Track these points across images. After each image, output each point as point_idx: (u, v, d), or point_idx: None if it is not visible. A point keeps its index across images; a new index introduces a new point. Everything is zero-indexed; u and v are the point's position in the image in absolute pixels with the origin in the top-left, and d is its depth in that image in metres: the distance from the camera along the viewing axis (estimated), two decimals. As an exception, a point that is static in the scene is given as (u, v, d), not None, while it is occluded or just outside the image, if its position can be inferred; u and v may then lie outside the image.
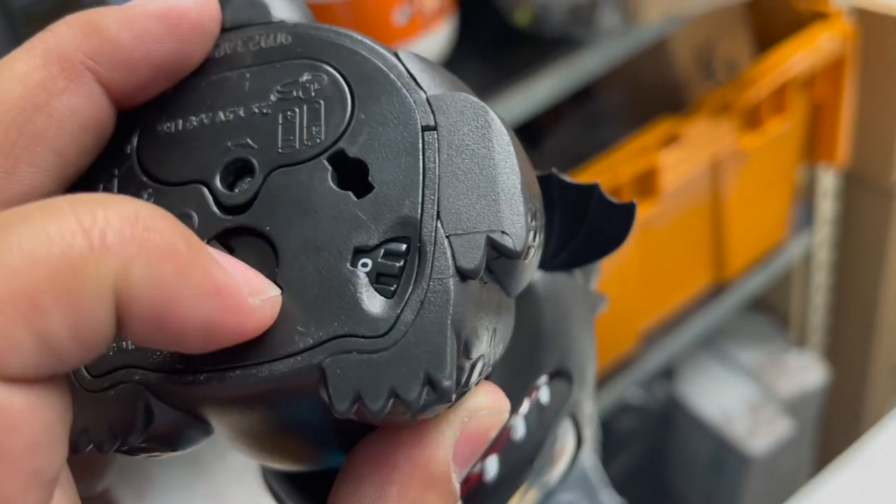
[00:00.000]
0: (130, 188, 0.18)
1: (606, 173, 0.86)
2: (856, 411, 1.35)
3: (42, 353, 0.13)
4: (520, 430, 0.23)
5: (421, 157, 0.17)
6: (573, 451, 0.26)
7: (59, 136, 0.17)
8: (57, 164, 0.17)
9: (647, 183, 0.89)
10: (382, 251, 0.16)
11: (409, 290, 0.16)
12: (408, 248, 0.16)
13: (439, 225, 0.16)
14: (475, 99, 0.18)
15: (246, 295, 0.15)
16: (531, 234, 0.17)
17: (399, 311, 0.16)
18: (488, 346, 0.17)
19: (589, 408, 0.26)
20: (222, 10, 0.19)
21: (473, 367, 0.16)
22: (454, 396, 0.16)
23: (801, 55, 0.95)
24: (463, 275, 0.16)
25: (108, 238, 0.13)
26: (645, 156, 0.88)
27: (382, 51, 0.18)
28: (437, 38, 0.78)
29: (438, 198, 0.17)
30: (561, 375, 0.24)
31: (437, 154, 0.17)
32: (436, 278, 0.16)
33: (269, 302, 0.16)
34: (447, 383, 0.15)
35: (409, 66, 0.18)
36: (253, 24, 0.19)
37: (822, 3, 1.01)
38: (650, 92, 1.05)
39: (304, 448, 0.19)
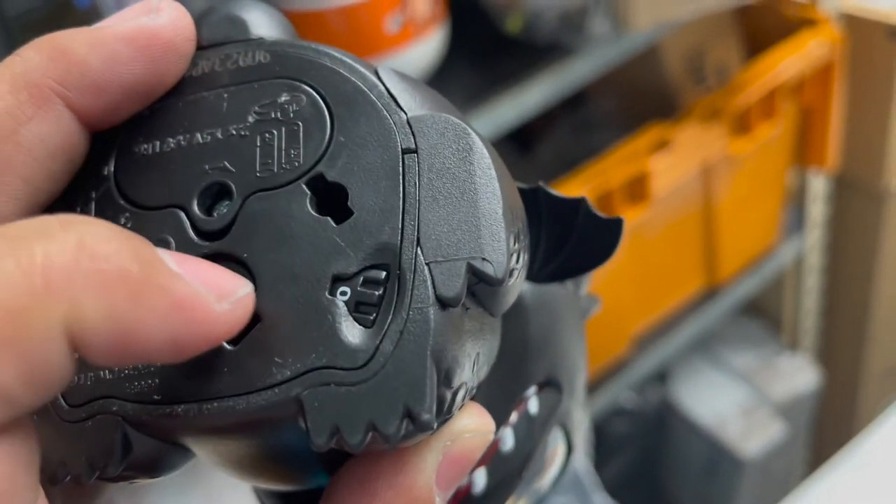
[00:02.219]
0: (108, 212, 0.18)
1: (598, 178, 0.87)
2: (848, 414, 1.35)
3: None
4: (508, 441, 0.22)
5: (401, 182, 0.17)
6: (564, 457, 0.26)
7: (27, 164, 0.17)
8: (26, 192, 0.17)
9: (638, 188, 0.90)
10: (361, 279, 0.16)
11: (389, 320, 0.16)
12: (387, 276, 0.16)
13: (419, 252, 0.16)
14: (457, 120, 0.17)
15: (212, 302, 0.14)
16: (513, 257, 0.17)
17: (378, 342, 0.15)
18: (471, 372, 0.17)
19: (579, 415, 0.26)
20: (199, 27, 0.19)
21: (455, 395, 0.16)
22: (435, 426, 0.15)
23: (790, 61, 0.96)
24: (443, 303, 0.16)
25: (51, 278, 0.13)
26: (636, 161, 0.88)
27: (363, 69, 0.18)
28: (429, 45, 0.79)
29: (419, 223, 0.16)
30: (550, 385, 0.24)
31: (417, 178, 0.17)
32: (415, 307, 0.16)
33: (240, 303, 0.15)
34: (426, 416, 0.15)
35: (389, 85, 0.18)
36: (231, 41, 0.19)
37: (810, 9, 1.01)
38: (641, 98, 1.06)
39: (287, 472, 0.19)
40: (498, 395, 0.22)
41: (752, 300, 1.25)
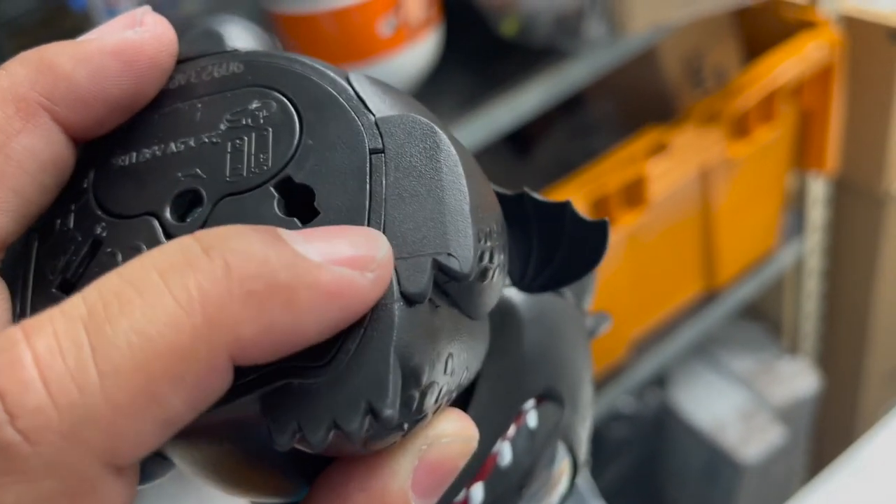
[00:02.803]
0: (85, 222, 0.18)
1: (595, 182, 0.86)
2: (848, 418, 1.35)
3: (164, 433, 0.13)
4: (507, 456, 0.22)
5: (368, 181, 0.17)
6: (570, 474, 0.25)
7: (18, 177, 0.17)
8: (18, 204, 0.17)
9: (635, 192, 0.89)
10: None
11: None
12: None
13: None
14: (424, 120, 0.17)
15: (357, 279, 0.15)
16: (485, 254, 0.17)
17: (341, 340, 0.15)
18: (443, 373, 0.16)
19: (585, 431, 0.25)
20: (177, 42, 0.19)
21: (424, 395, 0.16)
22: (405, 425, 0.15)
23: (789, 63, 0.95)
24: (408, 299, 0.16)
25: (209, 312, 0.13)
26: (633, 165, 0.88)
27: (332, 75, 0.18)
28: (423, 49, 0.79)
29: (384, 221, 0.16)
30: (551, 399, 0.23)
31: (383, 177, 0.17)
32: (379, 304, 0.15)
33: (383, 265, 0.15)
34: (388, 412, 0.15)
35: (358, 89, 0.18)
36: (207, 54, 0.19)
37: (809, 11, 1.01)
38: (639, 101, 1.05)
39: (264, 481, 0.18)
40: (494, 407, 0.21)
41: (751, 304, 1.25)
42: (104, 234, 0.18)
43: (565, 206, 0.22)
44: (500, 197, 0.21)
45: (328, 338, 0.15)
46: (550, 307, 0.23)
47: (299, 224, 0.16)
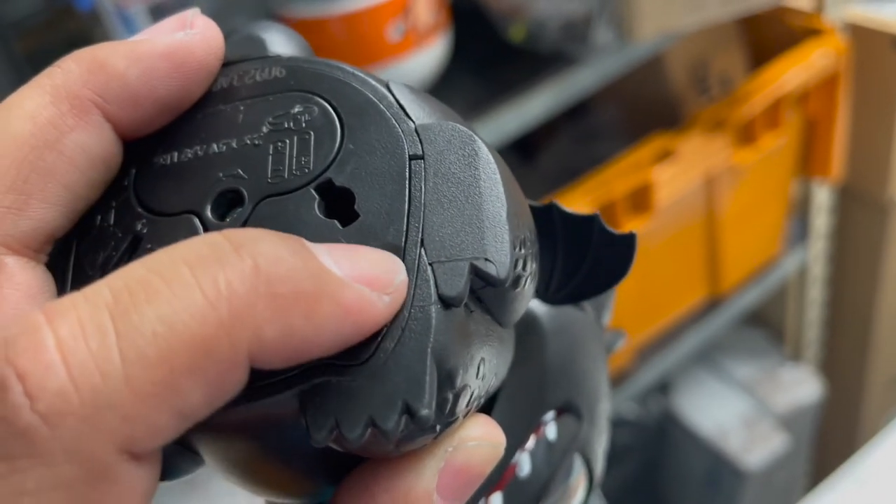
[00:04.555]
0: (126, 219, 0.18)
1: (601, 189, 0.86)
2: (851, 426, 1.34)
3: (181, 425, 0.14)
4: (525, 467, 0.22)
5: (407, 185, 0.17)
6: (586, 488, 0.25)
7: (69, 172, 0.17)
8: (67, 198, 0.17)
9: (641, 198, 0.89)
10: None
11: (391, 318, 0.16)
12: None
13: (423, 252, 0.16)
14: (463, 128, 0.18)
15: (375, 301, 0.15)
16: (519, 262, 0.17)
17: (379, 340, 0.15)
18: (475, 377, 0.17)
19: (601, 445, 0.25)
20: None
21: (458, 397, 0.16)
22: (437, 427, 0.15)
23: (795, 71, 0.95)
24: (445, 302, 0.16)
25: (235, 307, 0.13)
26: (639, 171, 0.88)
27: (373, 82, 0.18)
28: (432, 54, 0.79)
29: (423, 225, 0.16)
30: (569, 412, 0.23)
31: (423, 182, 0.17)
32: (417, 306, 0.16)
33: (399, 290, 0.15)
34: (425, 412, 0.15)
35: (398, 96, 0.18)
36: (249, 58, 0.19)
37: (815, 19, 1.01)
38: (645, 107, 1.05)
39: (294, 480, 0.18)
40: (514, 418, 0.21)
41: (754, 311, 1.25)
42: (144, 231, 0.18)
43: (594, 220, 0.22)
44: (530, 208, 0.21)
45: (337, 351, 0.15)
46: (572, 320, 0.23)
47: (339, 226, 0.17)
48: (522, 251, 0.17)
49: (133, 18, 0.74)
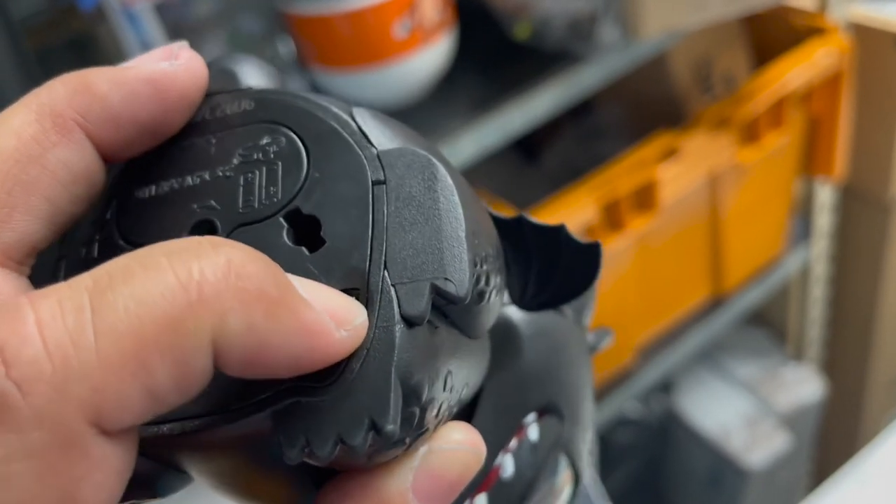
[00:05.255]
0: (108, 251, 0.19)
1: (605, 187, 0.86)
2: (853, 425, 1.35)
3: (148, 405, 0.14)
4: (509, 468, 0.23)
5: (370, 211, 0.18)
6: (572, 485, 0.26)
7: (51, 186, 0.18)
8: (50, 212, 0.18)
9: (645, 197, 0.89)
10: None
11: None
12: (356, 299, 0.17)
13: (385, 274, 0.17)
14: (422, 152, 0.19)
15: (333, 330, 0.16)
16: (481, 278, 0.18)
17: (346, 360, 0.16)
18: (442, 389, 0.17)
19: (586, 444, 0.26)
20: None
21: (424, 410, 0.17)
22: (407, 440, 0.16)
23: (798, 70, 0.95)
24: (408, 321, 0.17)
25: (204, 292, 0.14)
26: (643, 170, 0.88)
27: (336, 110, 0.19)
28: (437, 51, 0.79)
29: (386, 249, 0.17)
30: (551, 412, 0.24)
31: (385, 206, 0.18)
32: (381, 326, 0.16)
33: (356, 331, 0.16)
34: (390, 427, 0.15)
35: (361, 123, 0.19)
36: (221, 91, 0.20)
37: (819, 18, 1.01)
38: (649, 106, 1.06)
39: (277, 491, 0.19)
40: (496, 420, 0.22)
41: (757, 310, 1.25)
42: (115, 239, 0.19)
43: (560, 230, 0.23)
44: (499, 221, 0.22)
45: (305, 372, 0.16)
46: (550, 324, 0.24)
47: (307, 252, 0.18)
48: (484, 267, 0.18)
49: (139, 16, 0.74)
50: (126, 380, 0.14)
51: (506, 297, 0.23)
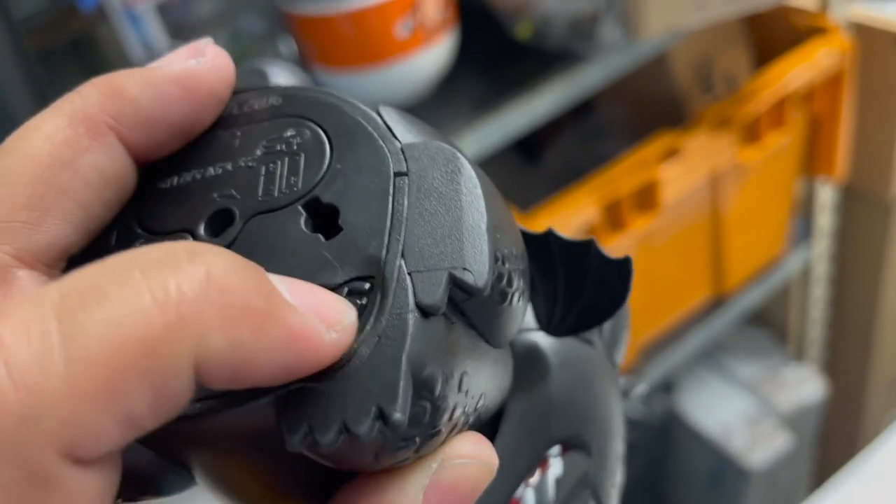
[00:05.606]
0: (125, 238, 0.19)
1: (607, 187, 0.86)
2: (854, 425, 1.35)
3: (124, 432, 0.13)
4: (529, 502, 0.22)
5: (390, 201, 0.17)
6: None
7: (83, 191, 0.18)
8: (81, 216, 0.18)
9: (646, 196, 0.89)
10: (346, 290, 0.17)
11: (369, 326, 0.16)
12: (371, 287, 0.17)
13: (402, 263, 0.17)
14: (447, 146, 0.18)
15: (322, 333, 0.15)
16: (503, 276, 0.17)
17: (356, 346, 0.16)
18: (457, 390, 0.17)
19: (615, 486, 0.25)
20: None
21: (437, 409, 0.16)
22: (416, 438, 0.16)
23: (799, 70, 0.95)
24: (423, 310, 0.16)
25: (183, 311, 0.13)
26: (645, 169, 0.88)
27: (363, 107, 0.19)
28: (439, 51, 0.79)
29: (404, 238, 0.17)
30: (577, 448, 0.23)
31: (406, 197, 0.17)
32: (394, 313, 0.16)
33: (346, 330, 0.16)
34: (398, 416, 0.15)
35: (387, 119, 0.19)
36: (251, 89, 0.21)
37: (820, 18, 1.01)
38: (650, 106, 1.05)
39: (282, 501, 0.19)
40: (518, 448, 0.21)
41: (758, 310, 1.25)
42: (139, 234, 0.19)
43: (590, 245, 0.22)
44: (527, 236, 0.22)
45: (283, 381, 0.15)
46: (579, 354, 0.23)
47: (323, 239, 0.17)
48: (507, 265, 0.18)
49: (140, 16, 0.74)
50: (99, 408, 0.13)
51: (532, 321, 0.23)
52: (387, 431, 0.15)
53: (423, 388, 0.15)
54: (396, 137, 0.19)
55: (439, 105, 0.81)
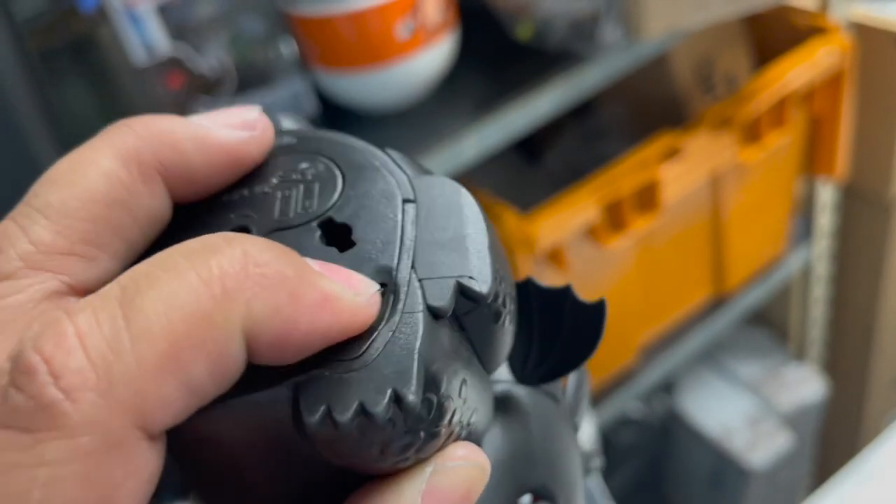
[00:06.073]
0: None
1: (608, 187, 0.86)
2: (854, 424, 1.35)
3: (188, 401, 0.15)
4: None
5: (400, 221, 0.19)
6: None
7: (133, 230, 0.19)
8: (128, 253, 0.20)
9: (647, 197, 0.89)
10: None
11: (383, 323, 0.17)
12: (384, 292, 0.18)
13: (413, 272, 0.18)
14: (452, 181, 0.20)
15: (352, 296, 0.17)
16: (500, 295, 0.19)
17: (371, 339, 0.17)
18: (458, 394, 0.18)
19: None
20: None
21: (441, 406, 0.17)
22: (421, 433, 0.16)
23: (799, 69, 0.96)
24: (433, 313, 0.17)
25: (226, 285, 0.15)
26: (646, 169, 0.88)
27: (373, 148, 0.21)
28: (440, 52, 0.79)
29: (414, 253, 0.18)
30: (546, 499, 0.24)
31: (414, 219, 0.19)
32: (407, 312, 0.17)
33: (373, 298, 0.17)
34: (412, 398, 0.16)
35: (394, 157, 0.21)
36: None
37: (820, 18, 1.01)
38: (650, 106, 1.06)
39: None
40: (492, 492, 0.22)
41: (758, 310, 1.25)
42: None
43: (567, 291, 0.23)
44: None
45: (321, 346, 0.17)
46: (550, 409, 0.25)
47: (337, 252, 0.19)
48: (503, 285, 0.19)
49: (141, 17, 0.74)
50: (165, 379, 0.14)
51: (508, 373, 0.24)
52: (400, 415, 0.16)
53: (431, 382, 0.17)
54: (404, 171, 0.20)
55: (440, 106, 0.81)
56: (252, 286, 0.15)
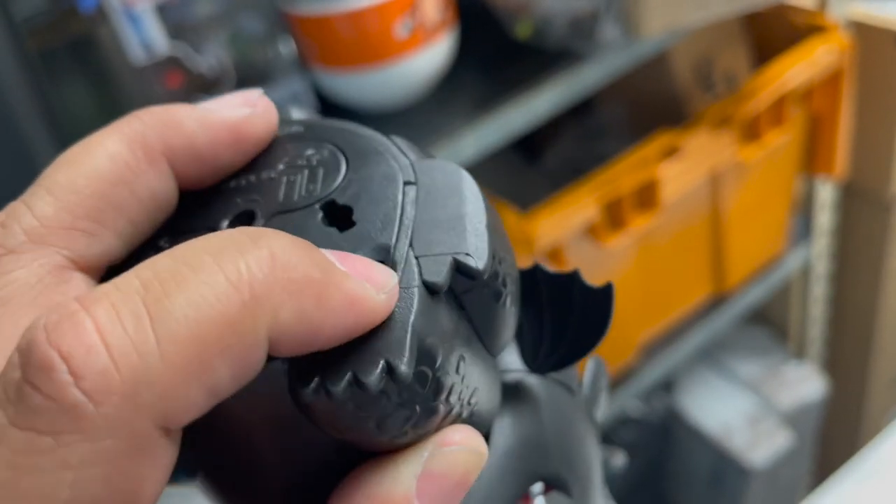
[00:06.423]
0: (153, 240, 0.21)
1: (607, 186, 0.86)
2: (855, 423, 1.35)
3: (209, 401, 0.15)
4: None
5: (400, 202, 0.19)
6: None
7: (136, 210, 0.20)
8: (131, 232, 0.20)
9: (647, 195, 0.89)
10: None
11: None
12: None
13: (410, 250, 0.18)
14: (453, 164, 0.20)
15: (374, 294, 0.17)
16: (499, 275, 0.19)
17: None
18: (454, 370, 0.18)
19: None
20: None
21: (438, 380, 0.17)
22: (417, 408, 0.17)
23: (799, 68, 0.96)
24: (429, 288, 0.18)
25: (256, 290, 0.15)
26: (645, 168, 0.88)
27: (378, 134, 0.21)
28: (439, 51, 0.79)
29: (412, 232, 0.19)
30: (559, 489, 0.24)
31: (414, 199, 0.19)
32: (402, 287, 0.17)
33: (392, 292, 0.17)
34: (404, 368, 0.16)
35: (398, 143, 0.21)
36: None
37: (819, 16, 1.01)
38: (650, 105, 1.06)
39: (283, 488, 0.19)
40: (502, 480, 0.22)
41: (758, 308, 1.25)
42: (166, 246, 0.20)
43: (574, 276, 0.23)
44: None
45: (342, 343, 0.17)
46: (564, 399, 0.25)
47: (338, 232, 0.19)
48: (502, 266, 0.19)
49: (140, 17, 0.74)
50: (190, 382, 0.14)
51: (519, 363, 0.24)
52: (394, 386, 0.16)
53: (426, 356, 0.17)
54: (407, 156, 0.20)
55: (439, 105, 0.81)
56: (280, 292, 0.15)
